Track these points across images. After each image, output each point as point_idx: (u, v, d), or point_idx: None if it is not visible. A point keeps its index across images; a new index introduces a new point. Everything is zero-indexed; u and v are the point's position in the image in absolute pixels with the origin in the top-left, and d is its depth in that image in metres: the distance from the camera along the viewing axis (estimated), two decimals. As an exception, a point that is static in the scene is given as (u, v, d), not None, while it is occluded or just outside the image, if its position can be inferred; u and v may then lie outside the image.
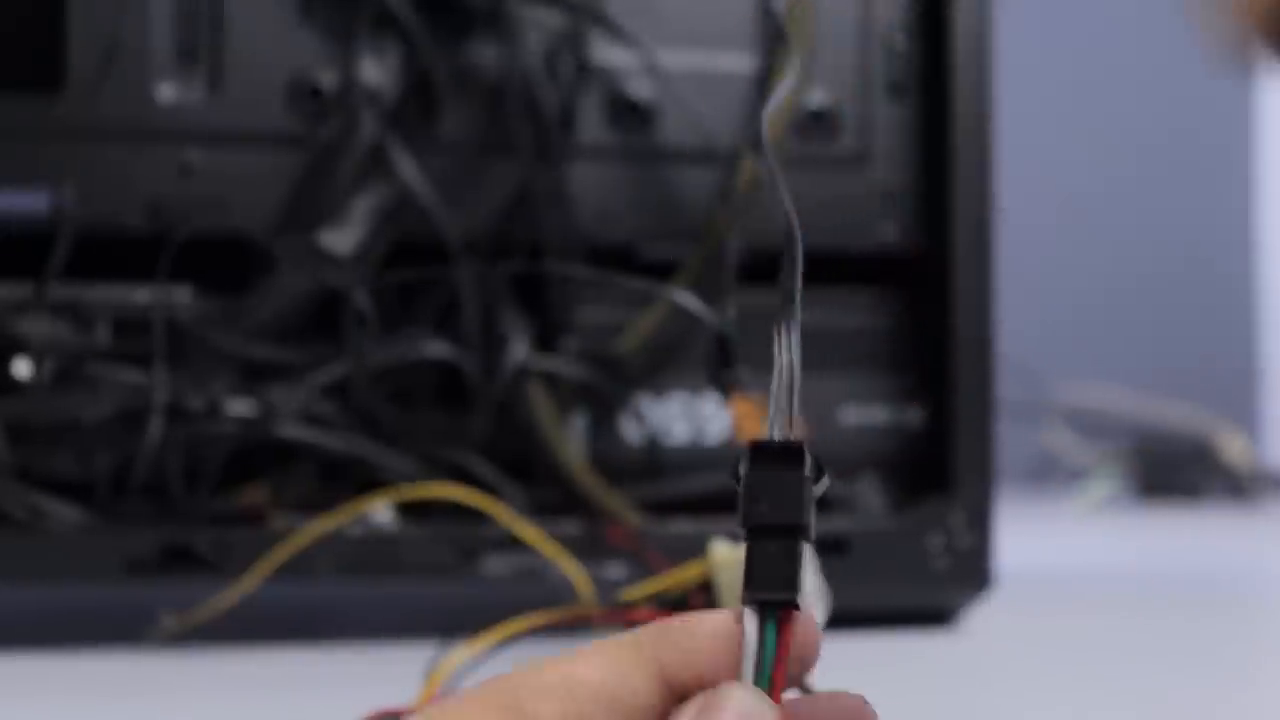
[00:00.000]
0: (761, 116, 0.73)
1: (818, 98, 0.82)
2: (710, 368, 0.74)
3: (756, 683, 0.28)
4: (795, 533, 0.29)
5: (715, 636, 0.29)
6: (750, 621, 0.29)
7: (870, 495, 0.81)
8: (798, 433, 0.30)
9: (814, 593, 0.72)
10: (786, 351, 0.31)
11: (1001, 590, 0.80)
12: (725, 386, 0.74)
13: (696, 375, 0.78)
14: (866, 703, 0.30)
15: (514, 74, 0.76)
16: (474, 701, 0.28)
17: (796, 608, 0.29)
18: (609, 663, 0.29)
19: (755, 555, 0.29)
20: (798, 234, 0.32)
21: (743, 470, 0.30)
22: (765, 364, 0.85)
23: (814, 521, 0.29)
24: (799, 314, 0.31)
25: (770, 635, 0.28)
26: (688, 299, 0.75)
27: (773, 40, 0.80)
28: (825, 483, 0.30)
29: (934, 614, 0.80)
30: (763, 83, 0.80)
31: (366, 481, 0.75)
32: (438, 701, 0.28)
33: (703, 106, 0.79)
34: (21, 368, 0.72)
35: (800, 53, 0.78)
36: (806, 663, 0.30)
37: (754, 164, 0.76)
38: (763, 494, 0.29)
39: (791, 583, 0.29)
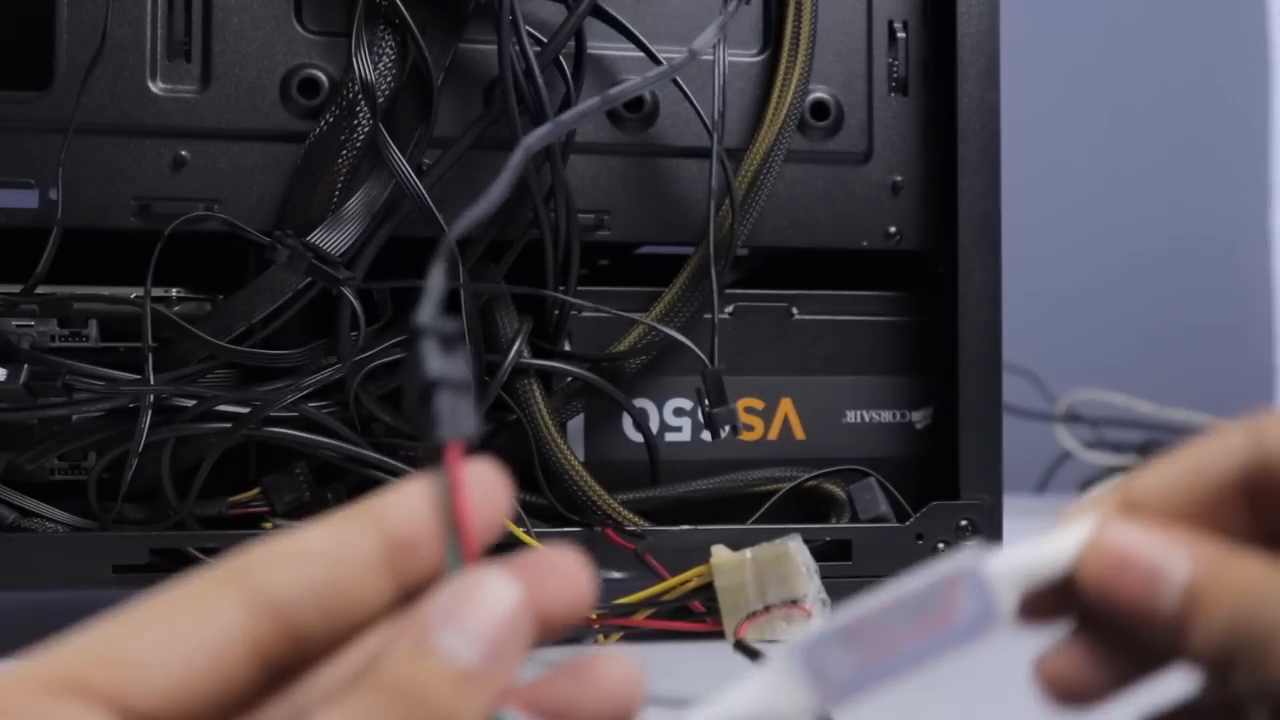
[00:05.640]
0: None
1: (822, 94, 0.81)
2: (703, 409, 0.74)
3: (445, 530, 0.30)
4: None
5: (425, 489, 0.31)
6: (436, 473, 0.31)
7: (874, 498, 0.80)
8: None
9: (815, 597, 0.71)
10: None
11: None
12: (717, 426, 0.74)
13: (696, 375, 0.77)
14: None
15: (512, 71, 0.75)
16: (205, 579, 0.30)
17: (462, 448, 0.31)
18: (330, 528, 0.31)
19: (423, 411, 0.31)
20: None
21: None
22: (765, 362, 0.84)
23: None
24: None
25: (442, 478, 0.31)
26: (676, 334, 0.75)
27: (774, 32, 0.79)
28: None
29: (939, 618, 0.79)
30: (766, 79, 0.79)
31: (361, 482, 0.74)
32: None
33: (702, 106, 0.78)
34: (10, 368, 0.71)
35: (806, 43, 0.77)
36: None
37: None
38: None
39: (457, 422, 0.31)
